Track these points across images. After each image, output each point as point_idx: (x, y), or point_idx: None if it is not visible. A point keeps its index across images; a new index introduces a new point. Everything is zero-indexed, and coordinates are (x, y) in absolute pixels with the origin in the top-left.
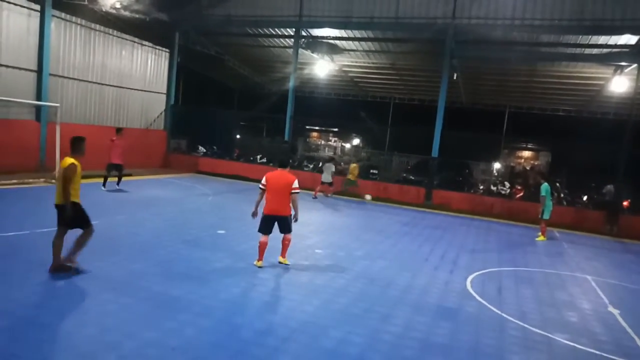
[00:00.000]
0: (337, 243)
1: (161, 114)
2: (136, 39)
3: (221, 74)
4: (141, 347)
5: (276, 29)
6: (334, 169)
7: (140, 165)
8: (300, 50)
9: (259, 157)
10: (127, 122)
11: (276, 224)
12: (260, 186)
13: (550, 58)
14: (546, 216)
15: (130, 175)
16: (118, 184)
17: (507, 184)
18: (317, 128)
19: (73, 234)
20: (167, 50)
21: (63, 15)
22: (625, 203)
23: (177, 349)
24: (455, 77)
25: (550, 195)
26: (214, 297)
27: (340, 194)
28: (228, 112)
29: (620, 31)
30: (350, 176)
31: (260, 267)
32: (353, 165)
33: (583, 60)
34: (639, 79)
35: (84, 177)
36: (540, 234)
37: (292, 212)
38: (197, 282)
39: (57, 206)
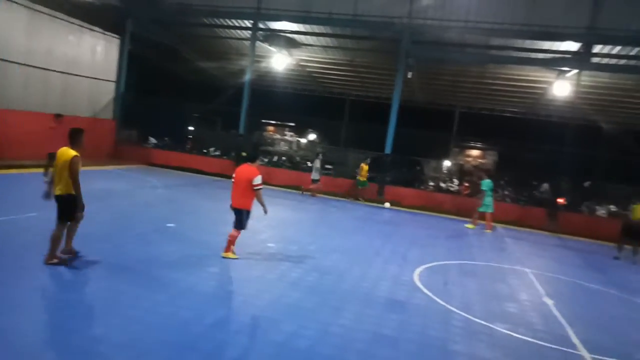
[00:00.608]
0: (290, 238)
1: (109, 102)
2: (85, 24)
3: (176, 64)
4: (86, 344)
5: (233, 20)
6: (318, 165)
7: (88, 155)
8: (258, 43)
9: (212, 149)
10: (74, 110)
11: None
12: (232, 179)
13: (500, 60)
14: (490, 210)
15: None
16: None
17: (455, 181)
18: (273, 122)
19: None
20: (118, 37)
21: None
22: (560, 200)
23: (123, 345)
24: (410, 76)
25: (492, 191)
26: (163, 291)
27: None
28: (182, 103)
29: (563, 38)
30: (360, 177)
31: (230, 258)
32: (363, 165)
33: (529, 64)
34: (579, 84)
35: (22, 166)
36: (471, 221)
37: (250, 209)
38: (144, 276)
39: (56, 197)
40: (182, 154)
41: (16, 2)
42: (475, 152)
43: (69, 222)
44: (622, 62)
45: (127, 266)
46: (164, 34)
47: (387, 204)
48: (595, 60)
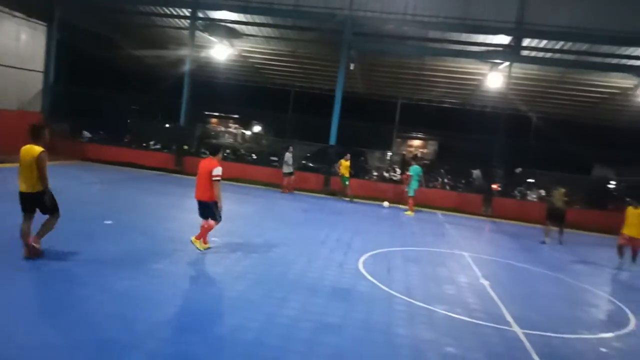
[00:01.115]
0: (235, 231)
1: (37, 94)
2: (5, 9)
3: (111, 54)
4: (23, 350)
5: (171, 9)
6: (289, 159)
7: (15, 150)
8: (198, 33)
9: (152, 143)
10: None
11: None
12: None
13: (437, 53)
14: (411, 193)
15: (2, 162)
16: None
17: (398, 170)
18: (216, 114)
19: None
20: (45, 24)
21: None
22: (494, 186)
23: (63, 347)
24: (352, 68)
25: (418, 176)
26: (104, 292)
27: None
28: (119, 95)
29: (495, 31)
30: (342, 173)
31: (205, 248)
32: (342, 161)
33: (465, 57)
34: (510, 76)
35: None
36: (408, 209)
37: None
38: (82, 277)
39: (27, 194)
40: (119, 148)
41: None
42: (417, 142)
43: (50, 215)
44: (549, 55)
45: (63, 267)
46: (98, 22)
47: (385, 203)
48: (524, 53)
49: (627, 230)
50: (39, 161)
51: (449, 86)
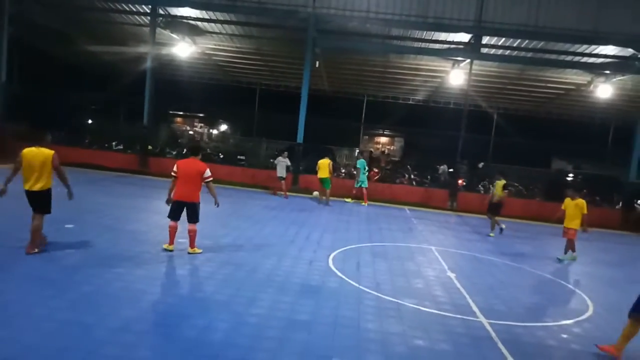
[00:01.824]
0: (202, 231)
1: None
2: None
3: (68, 51)
4: None
5: (129, 5)
6: (289, 163)
7: None
8: (159, 30)
9: (114, 143)
10: None
11: (185, 210)
12: (172, 174)
13: (400, 50)
14: (364, 185)
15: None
16: None
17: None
18: (181, 113)
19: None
20: None
21: None
22: (459, 181)
23: (15, 357)
24: (317, 65)
25: (365, 169)
26: (60, 297)
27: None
28: (78, 93)
29: (456, 29)
30: (322, 174)
31: (171, 250)
32: (323, 161)
33: (427, 54)
34: (471, 73)
35: None
36: (362, 200)
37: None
38: (38, 282)
39: (38, 192)
40: (80, 149)
41: None
42: (383, 139)
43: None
44: (508, 52)
45: (19, 272)
46: (52, 16)
47: (315, 193)
48: (484, 50)
49: (566, 222)
50: (54, 160)
51: (413, 83)
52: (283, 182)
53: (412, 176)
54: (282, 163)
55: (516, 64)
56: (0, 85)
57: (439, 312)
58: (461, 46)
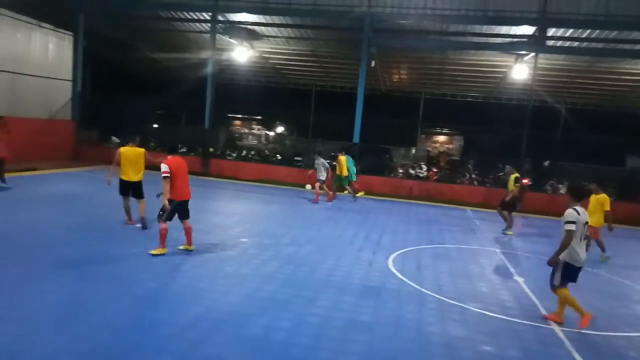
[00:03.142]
0: (263, 231)
1: (67, 103)
2: (34, 20)
3: (134, 60)
4: (52, 354)
5: (191, 13)
6: (326, 164)
7: (46, 158)
8: (218, 36)
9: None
10: (27, 111)
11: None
12: (165, 174)
13: (459, 47)
14: (353, 179)
15: (34, 169)
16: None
17: (424, 167)
18: (239, 116)
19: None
20: (71, 33)
21: None
22: (525, 181)
23: (89, 353)
24: (373, 65)
25: (351, 164)
26: (130, 294)
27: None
28: (143, 100)
29: (518, 22)
30: (338, 171)
31: (191, 250)
32: (343, 158)
33: (488, 49)
34: (536, 67)
35: None
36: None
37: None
38: (110, 279)
39: (134, 182)
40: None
41: None
42: (442, 138)
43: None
44: (575, 44)
45: (92, 270)
46: (119, 29)
47: (308, 186)
48: (550, 43)
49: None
50: (146, 155)
51: (473, 79)
52: (324, 184)
53: (473, 175)
54: (320, 165)
55: (585, 55)
56: (76, 95)
57: (507, 318)
58: (524, 39)
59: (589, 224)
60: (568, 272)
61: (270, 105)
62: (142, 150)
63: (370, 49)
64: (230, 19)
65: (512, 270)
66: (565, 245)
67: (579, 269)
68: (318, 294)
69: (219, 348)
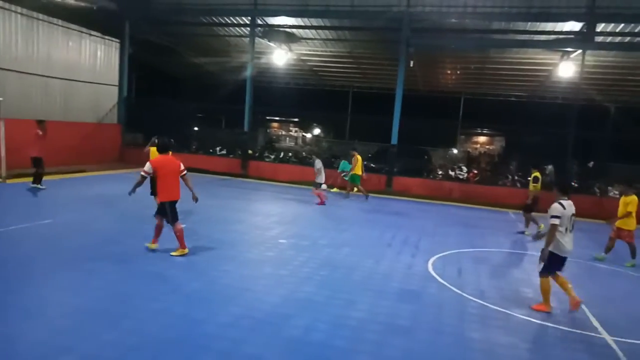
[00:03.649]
0: (300, 233)
1: (114, 107)
2: (84, 29)
3: (176, 64)
4: (97, 349)
5: (231, 18)
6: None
7: (94, 160)
8: (257, 39)
9: (218, 149)
10: (78, 116)
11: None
12: (144, 173)
13: (501, 45)
14: (357, 181)
15: (83, 171)
16: (35, 182)
17: (464, 168)
18: (277, 118)
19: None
20: (118, 40)
21: (1, 3)
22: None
23: (136, 348)
24: (412, 65)
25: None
26: (174, 292)
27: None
28: (184, 103)
29: (565, 18)
30: (355, 169)
31: (185, 254)
32: (358, 156)
33: (532, 47)
34: (584, 64)
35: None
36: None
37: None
38: (155, 277)
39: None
40: (187, 155)
41: (14, 11)
42: (482, 139)
43: None
44: (626, 39)
45: (138, 268)
46: (162, 34)
47: (323, 186)
48: (599, 39)
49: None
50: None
51: (515, 78)
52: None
53: (516, 177)
54: (320, 168)
55: (637, 51)
56: (122, 99)
57: (554, 325)
58: (571, 36)
59: (619, 226)
60: (553, 261)
61: (307, 107)
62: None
63: (408, 49)
64: (269, 23)
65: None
66: (550, 238)
67: (564, 258)
68: (356, 296)
69: (259, 348)
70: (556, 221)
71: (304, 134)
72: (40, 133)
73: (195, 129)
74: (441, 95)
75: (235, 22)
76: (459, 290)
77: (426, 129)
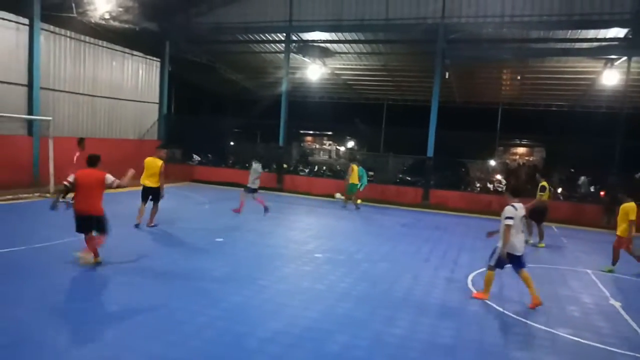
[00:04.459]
0: (336, 247)
1: (154, 123)
2: (126, 50)
3: (213, 81)
4: None
5: (267, 35)
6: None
7: (136, 176)
8: (292, 55)
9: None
10: (120, 133)
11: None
12: (65, 183)
13: (541, 54)
14: (353, 190)
15: (125, 187)
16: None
17: (503, 180)
18: (311, 132)
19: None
20: (158, 59)
21: (52, 28)
22: (601, 193)
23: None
24: (447, 77)
25: (364, 173)
26: (215, 306)
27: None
28: (221, 119)
29: (608, 25)
30: (350, 179)
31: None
32: (354, 166)
33: (573, 55)
34: (629, 72)
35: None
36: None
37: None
38: (197, 291)
39: (150, 188)
40: (224, 169)
41: (64, 35)
42: (521, 150)
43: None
44: None
45: (179, 283)
46: (201, 53)
47: (337, 195)
48: None
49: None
50: (161, 168)
51: (556, 87)
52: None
53: (559, 190)
54: (254, 171)
55: None
56: (162, 116)
57: (603, 346)
58: (615, 42)
59: (617, 234)
60: (504, 259)
61: (341, 121)
62: (160, 162)
63: (444, 61)
64: (304, 38)
65: (606, 293)
66: (506, 237)
67: (518, 257)
68: (396, 312)
69: None
70: (510, 222)
71: (337, 147)
72: (78, 154)
73: (232, 143)
74: (478, 106)
75: (270, 38)
76: (501, 308)
77: (463, 141)
